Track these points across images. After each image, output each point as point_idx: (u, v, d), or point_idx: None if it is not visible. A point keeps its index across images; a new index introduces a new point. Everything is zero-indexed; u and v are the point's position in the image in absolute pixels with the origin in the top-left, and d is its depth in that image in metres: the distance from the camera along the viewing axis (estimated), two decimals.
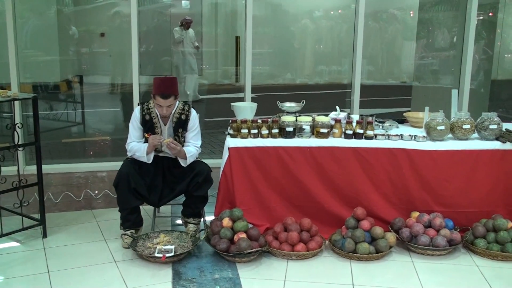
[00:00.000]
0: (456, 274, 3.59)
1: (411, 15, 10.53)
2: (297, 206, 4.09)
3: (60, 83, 7.35)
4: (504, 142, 4.04)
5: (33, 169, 4.09)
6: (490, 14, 8.11)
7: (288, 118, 4.16)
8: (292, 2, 10.95)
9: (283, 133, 4.11)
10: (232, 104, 4.54)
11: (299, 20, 11.12)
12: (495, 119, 4.11)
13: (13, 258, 3.71)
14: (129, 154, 3.99)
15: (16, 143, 3.82)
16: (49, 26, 7.09)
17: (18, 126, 3.90)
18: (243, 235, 3.70)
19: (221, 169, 4.07)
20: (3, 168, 3.71)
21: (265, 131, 4.10)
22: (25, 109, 4.93)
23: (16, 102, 4.37)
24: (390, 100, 8.95)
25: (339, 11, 10.89)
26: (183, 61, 8.82)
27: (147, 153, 3.90)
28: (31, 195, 4.33)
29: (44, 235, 4.05)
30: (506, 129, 4.28)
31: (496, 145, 4.06)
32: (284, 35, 11.05)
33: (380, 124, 4.45)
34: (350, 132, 4.10)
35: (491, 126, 4.07)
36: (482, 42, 6.62)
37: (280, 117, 4.26)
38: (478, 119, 4.17)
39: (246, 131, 4.08)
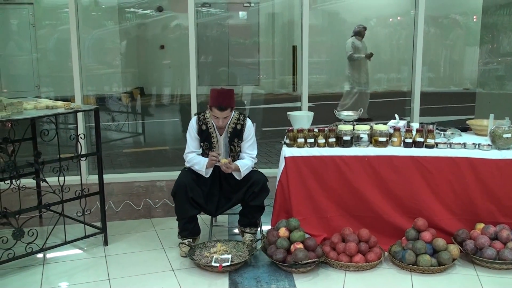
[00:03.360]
0: None
1: (474, 19, 10.19)
2: (355, 216, 4.01)
3: (121, 95, 7.59)
4: None
5: (95, 178, 4.22)
6: None
7: (345, 127, 4.10)
8: (349, 10, 10.86)
9: (340, 142, 4.05)
10: (288, 113, 4.52)
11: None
12: None
13: (76, 265, 3.83)
14: (187, 165, 4.04)
15: (79, 154, 3.95)
16: (111, 40, 7.34)
17: (81, 137, 4.04)
18: (300, 245, 3.66)
19: (278, 178, 4.06)
20: (66, 178, 3.84)
21: (321, 140, 4.05)
22: (88, 120, 5.11)
23: (79, 114, 4.53)
24: (453, 107, 8.67)
25: (398, 17, 10.69)
26: (358, 74, 8.09)
27: (206, 168, 3.94)
28: (93, 204, 4.47)
29: (105, 243, 4.15)
30: None
31: None
32: (341, 43, 10.96)
33: (442, 132, 4.31)
34: (410, 140, 3.99)
35: None
36: None
37: (337, 126, 4.21)
38: None
39: (302, 140, 4.05)
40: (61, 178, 3.78)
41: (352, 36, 7.83)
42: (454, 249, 3.71)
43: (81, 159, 4.04)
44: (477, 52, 8.54)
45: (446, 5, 10.56)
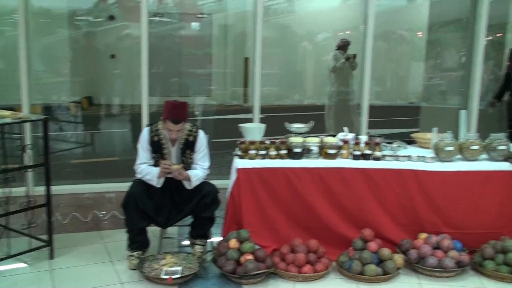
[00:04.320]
0: None
1: (419, 35, 10.56)
2: (305, 228, 4.08)
3: (70, 104, 7.43)
4: None
5: (41, 190, 4.11)
6: (499, 34, 8.12)
7: (296, 139, 4.17)
8: (301, 23, 11.05)
9: (291, 154, 4.11)
10: (240, 125, 4.56)
11: (308, 41, 11.20)
12: (504, 140, 4.09)
13: (19, 280, 3.72)
14: (138, 176, 4.01)
15: (25, 165, 3.85)
16: (60, 48, 7.19)
17: (27, 148, 3.94)
18: (250, 257, 3.68)
19: (229, 190, 4.08)
20: (12, 189, 3.74)
21: (273, 152, 4.10)
22: (35, 130, 4.98)
23: (27, 124, 4.42)
24: (399, 120, 8.93)
25: (347, 32, 10.94)
26: (345, 87, 7.86)
27: (158, 178, 3.92)
28: (39, 216, 4.35)
29: (51, 256, 4.06)
30: None
31: (505, 166, 4.04)
32: (293, 56, 11.11)
33: (388, 145, 4.45)
34: (358, 153, 4.10)
35: (499, 147, 4.06)
36: (490, 62, 6.61)
37: (288, 138, 4.27)
38: (487, 140, 4.15)
39: (254, 152, 4.09)
40: (7, 190, 3.67)
41: (335, 50, 7.96)
42: (399, 258, 3.82)
43: (28, 170, 3.94)
44: (422, 67, 8.86)
45: (393, 21, 10.91)
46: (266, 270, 3.67)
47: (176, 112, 3.84)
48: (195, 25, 9.61)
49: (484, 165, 4.07)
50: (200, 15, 9.42)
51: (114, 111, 7.94)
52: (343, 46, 7.90)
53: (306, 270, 3.73)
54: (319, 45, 11.46)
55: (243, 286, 3.63)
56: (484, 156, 4.16)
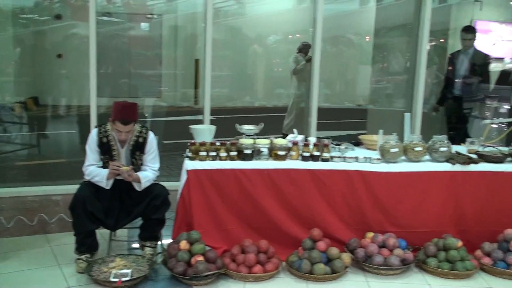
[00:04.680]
0: None
1: (367, 40, 10.83)
2: (255, 228, 4.11)
3: (14, 104, 7.22)
4: (454, 164, 4.18)
5: None
6: (442, 40, 8.44)
7: (246, 141, 4.20)
8: (252, 26, 11.13)
9: (241, 156, 4.14)
10: (190, 126, 4.55)
11: (258, 43, 11.30)
12: (445, 141, 4.26)
13: None
14: (87, 178, 3.94)
15: None
16: (4, 46, 6.98)
17: None
18: (201, 258, 3.69)
19: (179, 191, 4.07)
20: None
21: (223, 154, 4.12)
22: None
23: None
24: (347, 123, 9.14)
25: (297, 35, 11.10)
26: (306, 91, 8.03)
27: (107, 179, 3.87)
28: None
29: None
30: (456, 151, 4.45)
31: (446, 167, 4.20)
32: (243, 58, 11.19)
33: (337, 146, 4.54)
34: (307, 154, 4.17)
35: (441, 149, 4.22)
36: (434, 67, 6.85)
37: (238, 139, 4.30)
38: (430, 142, 4.31)
39: (204, 153, 4.10)
40: None
41: (296, 53, 8.04)
42: (346, 257, 3.92)
43: None
44: (369, 70, 9.09)
45: (342, 25, 11.15)
46: (217, 271, 3.68)
47: (125, 113, 3.80)
48: (144, 25, 9.52)
49: (427, 166, 4.22)
50: (150, 16, 9.34)
51: (61, 112, 7.76)
52: (303, 48, 8.03)
53: (256, 270, 3.76)
54: (269, 47, 11.59)
55: (194, 287, 3.63)
56: (427, 157, 4.31)
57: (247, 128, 4.60)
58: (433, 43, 8.12)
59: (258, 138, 4.36)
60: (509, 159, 4.35)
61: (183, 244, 3.79)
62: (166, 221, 4.09)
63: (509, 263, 3.94)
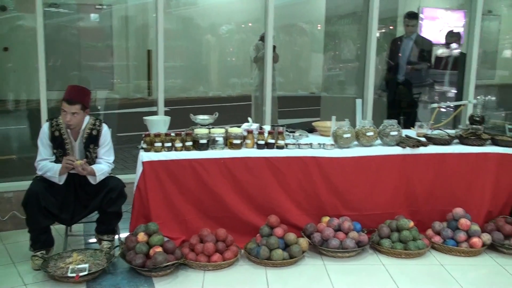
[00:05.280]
0: (365, 273, 3.79)
1: (319, 28, 10.94)
2: (213, 217, 4.14)
3: None
4: (404, 148, 4.31)
5: None
6: (391, 27, 8.63)
7: (201, 131, 4.21)
8: (204, 15, 11.06)
9: (197, 146, 4.15)
10: (144, 118, 4.52)
11: (211, 33, 11.25)
12: (396, 126, 4.38)
13: None
14: (39, 173, 3.87)
15: None
16: None
17: None
18: (159, 249, 3.69)
19: (135, 183, 4.04)
20: None
21: (179, 144, 4.11)
22: None
23: None
24: (301, 110, 9.23)
25: (250, 24, 11.11)
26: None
27: (60, 174, 3.81)
28: None
29: None
30: (406, 135, 4.58)
31: (397, 150, 4.32)
32: (196, 48, 11.12)
33: (291, 134, 4.60)
34: (262, 142, 4.22)
35: (392, 133, 4.34)
36: (384, 53, 7.00)
37: (193, 129, 4.30)
38: (381, 126, 4.42)
39: (159, 144, 4.09)
40: None
41: (258, 41, 7.97)
42: (304, 242, 4.00)
43: None
44: (321, 58, 9.20)
45: (294, 13, 11.22)
46: (176, 261, 3.69)
47: (72, 92, 3.78)
48: (94, 16, 9.33)
49: (378, 150, 4.33)
50: (99, 6, 9.15)
51: (9, 107, 7.54)
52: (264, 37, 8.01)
53: (215, 259, 3.80)
54: (222, 37, 11.55)
55: (153, 279, 3.64)
56: (378, 141, 4.42)
57: (201, 118, 4.60)
58: (383, 31, 8.30)
59: (213, 128, 4.38)
60: (455, 141, 4.52)
61: (141, 236, 3.78)
62: (123, 214, 4.06)
63: (458, 240, 4.11)
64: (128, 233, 3.99)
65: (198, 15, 11.22)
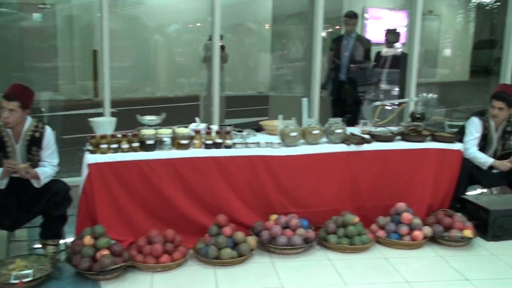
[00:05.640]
0: (312, 269, 3.86)
1: (266, 28, 11.04)
2: (161, 219, 4.12)
3: None
4: (349, 145, 4.42)
5: None
6: (337, 27, 8.80)
7: (148, 131, 4.18)
8: (151, 15, 10.96)
9: (144, 147, 4.12)
10: (90, 119, 4.46)
11: (159, 33, 11.16)
12: (340, 124, 4.49)
13: None
14: None
15: None
16: None
17: None
18: (106, 252, 3.65)
19: (81, 186, 3.98)
20: None
21: (125, 145, 4.07)
22: None
23: None
24: (250, 110, 9.29)
25: (198, 24, 11.08)
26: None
27: (1, 178, 3.70)
28: None
29: None
30: (351, 132, 4.70)
31: (342, 147, 4.42)
32: (144, 48, 11.01)
33: (239, 133, 4.63)
34: (210, 142, 4.23)
35: (337, 131, 4.44)
36: (331, 53, 7.13)
37: (140, 130, 4.27)
38: (326, 125, 4.52)
39: (105, 146, 4.03)
40: None
41: (207, 40, 7.90)
42: (252, 240, 4.04)
43: None
44: (269, 58, 9.29)
45: (241, 13, 11.27)
46: (123, 264, 3.66)
47: (12, 89, 3.73)
48: (37, 16, 9.10)
49: (324, 147, 4.42)
50: (42, 6, 8.93)
51: None
52: None
53: (163, 260, 3.78)
54: (170, 37, 11.48)
55: (101, 282, 3.59)
56: (324, 139, 4.51)
57: (149, 118, 4.57)
58: (330, 30, 8.46)
59: (160, 129, 4.35)
60: (398, 137, 4.67)
61: (87, 240, 3.72)
62: (68, 218, 3.99)
63: (401, 234, 4.25)
64: (74, 237, 3.92)
65: (145, 14, 11.12)
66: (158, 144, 4.16)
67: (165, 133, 4.22)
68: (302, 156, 4.33)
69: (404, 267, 3.90)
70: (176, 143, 4.20)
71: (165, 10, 11.21)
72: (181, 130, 4.25)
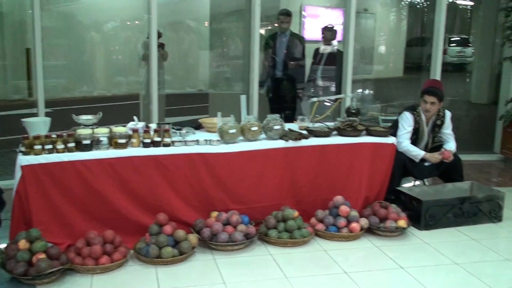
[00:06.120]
0: (254, 264, 3.90)
1: (206, 25, 11.02)
2: (100, 220, 4.04)
3: None
4: (287, 141, 4.49)
5: None
6: (276, 24, 8.90)
7: (84, 131, 4.10)
8: (85, 12, 10.71)
9: (80, 147, 4.03)
10: (22, 120, 4.32)
11: (95, 30, 10.92)
12: (278, 120, 4.55)
13: None
14: None
15: None
16: None
17: None
18: (42, 256, 3.55)
19: (14, 189, 3.85)
20: None
21: (60, 146, 3.97)
22: None
23: None
24: (190, 108, 9.25)
25: (136, 22, 10.92)
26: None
27: None
28: None
29: None
30: (289, 128, 4.77)
31: (280, 143, 4.49)
32: (80, 46, 10.74)
33: (178, 131, 4.62)
34: (148, 141, 4.19)
35: (275, 127, 4.50)
36: (270, 50, 7.21)
37: (75, 130, 4.18)
38: (264, 121, 4.57)
39: (39, 147, 3.92)
40: None
41: (146, 38, 7.72)
42: (193, 238, 4.04)
43: None
44: (208, 55, 9.28)
45: (180, 10, 11.18)
46: (61, 267, 3.57)
47: None
48: None
49: (263, 144, 4.46)
50: None
51: None
52: None
53: (103, 261, 3.72)
54: (107, 34, 11.25)
55: (37, 287, 3.50)
56: (263, 135, 4.56)
57: (85, 118, 4.47)
58: (269, 28, 8.55)
59: (97, 128, 4.28)
60: (334, 133, 4.78)
61: (22, 244, 3.61)
62: (1, 222, 3.86)
63: (339, 226, 4.36)
64: (8, 242, 3.80)
65: (80, 12, 10.85)
66: (94, 144, 4.09)
67: (102, 132, 4.14)
68: (241, 153, 4.36)
69: (343, 259, 4.01)
70: (113, 142, 4.14)
71: (101, 7, 10.98)
72: (119, 129, 4.19)
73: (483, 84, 11.23)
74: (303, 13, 11.81)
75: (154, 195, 4.16)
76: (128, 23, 11.05)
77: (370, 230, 4.45)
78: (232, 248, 4.08)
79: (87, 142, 4.04)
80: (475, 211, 4.68)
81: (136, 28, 10.21)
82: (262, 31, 7.96)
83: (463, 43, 17.56)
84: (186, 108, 9.19)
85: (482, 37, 11.40)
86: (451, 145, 5.09)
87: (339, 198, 4.50)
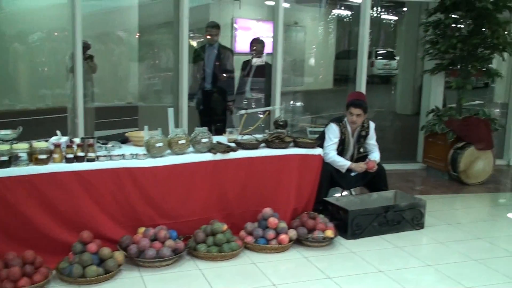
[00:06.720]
0: (182, 280, 3.84)
1: (136, 37, 10.85)
2: (19, 240, 3.86)
3: None
4: (215, 154, 4.47)
5: None
6: (208, 36, 8.89)
7: (1, 147, 3.91)
8: (10, 22, 10.28)
9: None
10: None
11: (18, 41, 10.51)
12: (206, 133, 4.53)
13: None
14: None
15: None
16: None
17: None
18: None
19: None
20: None
21: None
22: None
23: None
24: (120, 121, 9.05)
25: (66, 33, 10.59)
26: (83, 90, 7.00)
27: None
28: None
29: None
30: (217, 141, 4.76)
31: (208, 156, 4.46)
32: (2, 57, 10.28)
33: (103, 145, 4.50)
34: (71, 156, 4.06)
35: (203, 140, 4.48)
36: (201, 62, 7.18)
37: None
38: (192, 134, 4.54)
39: None
40: None
41: None
42: (119, 255, 3.93)
43: None
44: (138, 67, 9.14)
45: (110, 22, 10.97)
46: None
47: None
48: None
49: (191, 157, 4.42)
50: None
51: None
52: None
53: (22, 283, 3.54)
54: (32, 45, 10.84)
55: None
56: (191, 149, 4.52)
57: (3, 133, 4.28)
58: (201, 40, 8.53)
59: (16, 143, 4.10)
60: (262, 145, 4.81)
61: None
62: None
63: (268, 238, 4.38)
64: None
65: (3, 22, 10.40)
66: (13, 160, 3.91)
67: (21, 148, 3.98)
68: (168, 167, 4.30)
69: (272, 271, 4.02)
70: (33, 158, 3.98)
71: (26, 17, 10.57)
72: (39, 145, 4.03)
73: (406, 95, 11.70)
74: (235, 25, 11.88)
75: (78, 212, 4.02)
76: (56, 33, 10.70)
77: (299, 241, 4.49)
78: (160, 264, 4.00)
79: (5, 158, 3.86)
80: (398, 219, 4.84)
81: (63, 39, 9.88)
82: (194, 43, 7.94)
83: (389, 56, 18.28)
84: (117, 121, 8.99)
85: (405, 50, 11.90)
86: (375, 155, 5.25)
87: (267, 210, 4.52)
